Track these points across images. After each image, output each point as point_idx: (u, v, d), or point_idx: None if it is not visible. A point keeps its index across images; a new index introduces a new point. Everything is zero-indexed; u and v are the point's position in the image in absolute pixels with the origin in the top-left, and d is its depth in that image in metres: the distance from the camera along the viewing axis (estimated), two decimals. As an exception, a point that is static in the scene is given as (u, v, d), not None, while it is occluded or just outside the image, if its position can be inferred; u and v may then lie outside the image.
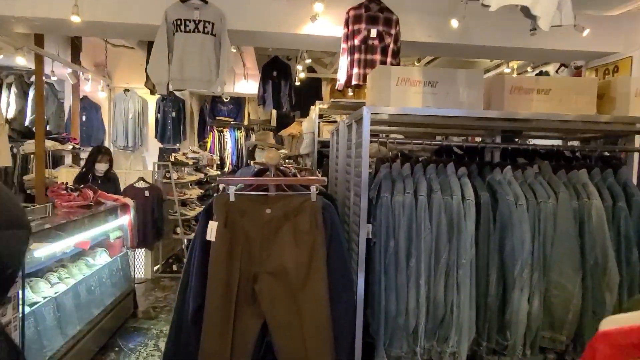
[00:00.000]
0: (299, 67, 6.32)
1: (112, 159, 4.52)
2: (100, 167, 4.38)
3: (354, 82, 3.87)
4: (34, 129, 5.31)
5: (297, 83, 6.61)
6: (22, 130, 6.20)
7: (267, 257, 1.91)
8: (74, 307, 3.06)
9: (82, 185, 3.67)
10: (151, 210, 5.51)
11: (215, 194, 2.51)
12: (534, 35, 2.76)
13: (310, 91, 7.38)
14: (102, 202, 3.84)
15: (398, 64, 3.91)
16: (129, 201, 3.99)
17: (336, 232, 1.96)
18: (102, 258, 3.80)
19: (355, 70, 3.82)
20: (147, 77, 5.39)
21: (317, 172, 4.09)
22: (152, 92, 5.70)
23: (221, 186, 2.21)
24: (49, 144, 5.51)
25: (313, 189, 1.95)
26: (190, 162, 6.07)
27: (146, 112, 7.58)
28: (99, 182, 4.37)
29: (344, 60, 3.89)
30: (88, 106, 7.28)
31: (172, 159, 5.73)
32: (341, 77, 3.91)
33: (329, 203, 2.00)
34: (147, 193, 5.51)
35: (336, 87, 3.98)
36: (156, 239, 5.67)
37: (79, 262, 3.52)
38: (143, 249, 5.62)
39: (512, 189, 2.12)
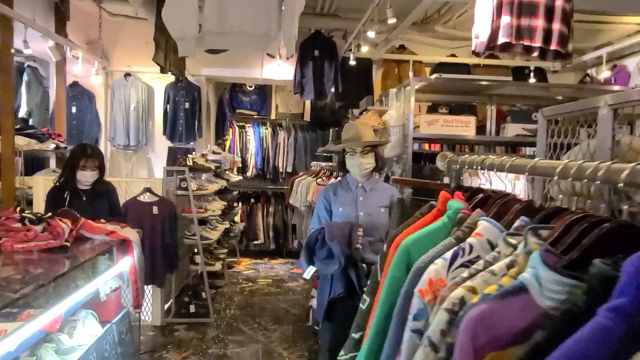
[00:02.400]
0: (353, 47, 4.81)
1: (104, 165, 3.00)
2: (85, 177, 2.86)
3: (501, 41, 2.35)
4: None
5: (353, 62, 5.08)
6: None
7: None
8: None
9: (50, 213, 2.15)
10: (161, 233, 4.00)
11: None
12: None
13: (359, 77, 5.87)
14: (88, 238, 2.33)
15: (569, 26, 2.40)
16: (131, 235, 2.48)
17: None
18: (86, 330, 2.28)
19: (506, 19, 2.31)
20: (157, 46, 3.87)
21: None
22: (163, 71, 4.18)
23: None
24: (21, 141, 4.00)
25: None
26: (212, 166, 4.56)
27: (152, 102, 6.06)
28: (84, 199, 2.86)
29: (484, 4, 2.38)
30: (79, 94, 5.76)
31: (189, 162, 4.21)
32: (481, 33, 2.39)
33: None
34: (155, 209, 4.00)
35: (472, 50, 2.46)
36: (168, 272, 4.16)
37: (44, 347, 2.00)
38: (150, 285, 4.11)
39: None
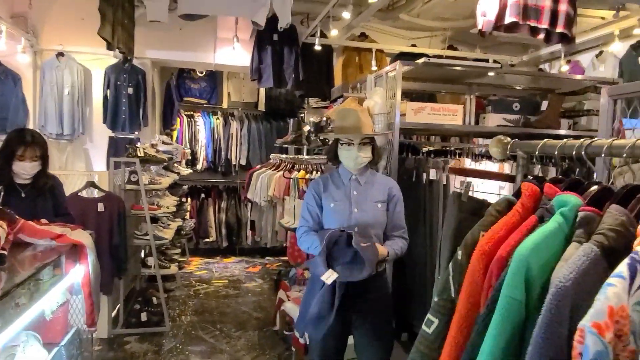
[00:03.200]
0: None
1: (47, 155, 2.51)
2: (24, 169, 2.36)
3: (508, 20, 2.17)
4: None
5: (318, 47, 4.77)
6: None
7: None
8: None
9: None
10: (108, 234, 3.51)
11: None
12: None
13: (320, 65, 5.58)
14: (29, 243, 1.89)
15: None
16: (84, 238, 2.05)
17: None
18: (28, 357, 1.85)
19: (514, -3, 2.13)
20: (104, 19, 3.36)
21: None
22: (110, 47, 3.65)
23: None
24: None
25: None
26: (165, 158, 4.09)
27: (89, 86, 5.41)
28: (23, 196, 2.37)
29: (491, -20, 2.18)
30: (1, 75, 5.01)
31: (140, 152, 3.74)
32: (488, 11, 2.19)
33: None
34: (101, 206, 3.51)
35: (479, 29, 2.25)
36: (116, 276, 3.68)
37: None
38: (95, 294, 3.60)
39: None
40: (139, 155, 3.72)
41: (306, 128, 5.55)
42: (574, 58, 5.65)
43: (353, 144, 2.12)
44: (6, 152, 2.33)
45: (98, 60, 5.37)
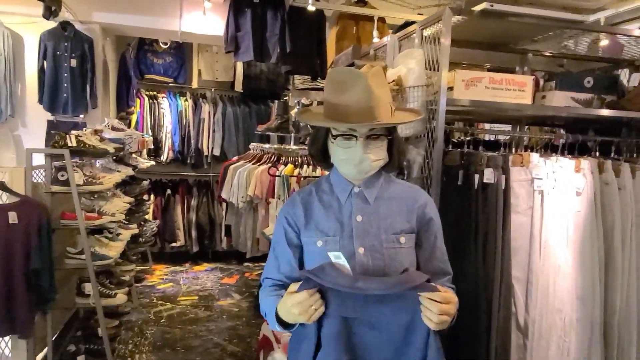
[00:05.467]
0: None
1: None
2: None
3: None
4: None
5: (312, 8, 3.78)
6: None
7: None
8: None
9: None
10: (23, 255, 2.51)
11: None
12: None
13: (310, 35, 4.60)
14: None
15: None
16: None
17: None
18: None
19: None
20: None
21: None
22: (50, 11, 2.59)
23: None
24: None
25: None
26: (111, 149, 3.07)
27: (21, 56, 4.33)
28: None
29: None
30: None
31: (71, 141, 2.72)
32: None
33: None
34: (12, 217, 2.50)
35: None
36: (39, 311, 2.68)
37: None
38: (7, 337, 2.61)
39: None
40: (70, 144, 2.70)
41: (294, 112, 4.59)
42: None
43: (355, 137, 1.18)
44: None
45: (32, 24, 4.28)
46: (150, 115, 5.43)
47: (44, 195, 2.72)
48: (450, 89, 1.96)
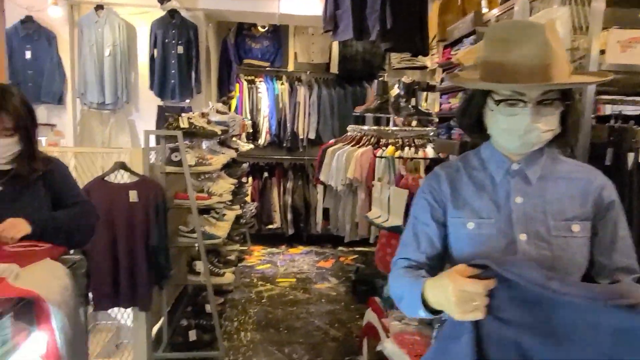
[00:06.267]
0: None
1: (32, 124, 1.59)
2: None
3: None
4: None
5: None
6: None
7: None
8: None
9: None
10: (144, 232, 2.62)
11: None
12: None
13: (411, 10, 4.35)
14: None
15: None
16: (44, 282, 1.09)
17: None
18: None
19: None
20: None
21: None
22: None
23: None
24: None
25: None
26: (218, 131, 3.14)
27: (134, 45, 4.58)
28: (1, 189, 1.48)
29: None
30: (34, 33, 4.28)
31: (183, 123, 2.80)
32: None
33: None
34: (133, 195, 2.61)
35: None
36: (156, 286, 2.81)
37: None
38: (129, 309, 2.77)
39: None
40: (182, 126, 2.78)
41: (394, 92, 4.39)
42: None
43: (523, 102, 0.99)
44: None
45: (144, 13, 4.51)
46: (249, 99, 5.54)
47: (160, 175, 2.84)
48: (602, 52, 1.68)
